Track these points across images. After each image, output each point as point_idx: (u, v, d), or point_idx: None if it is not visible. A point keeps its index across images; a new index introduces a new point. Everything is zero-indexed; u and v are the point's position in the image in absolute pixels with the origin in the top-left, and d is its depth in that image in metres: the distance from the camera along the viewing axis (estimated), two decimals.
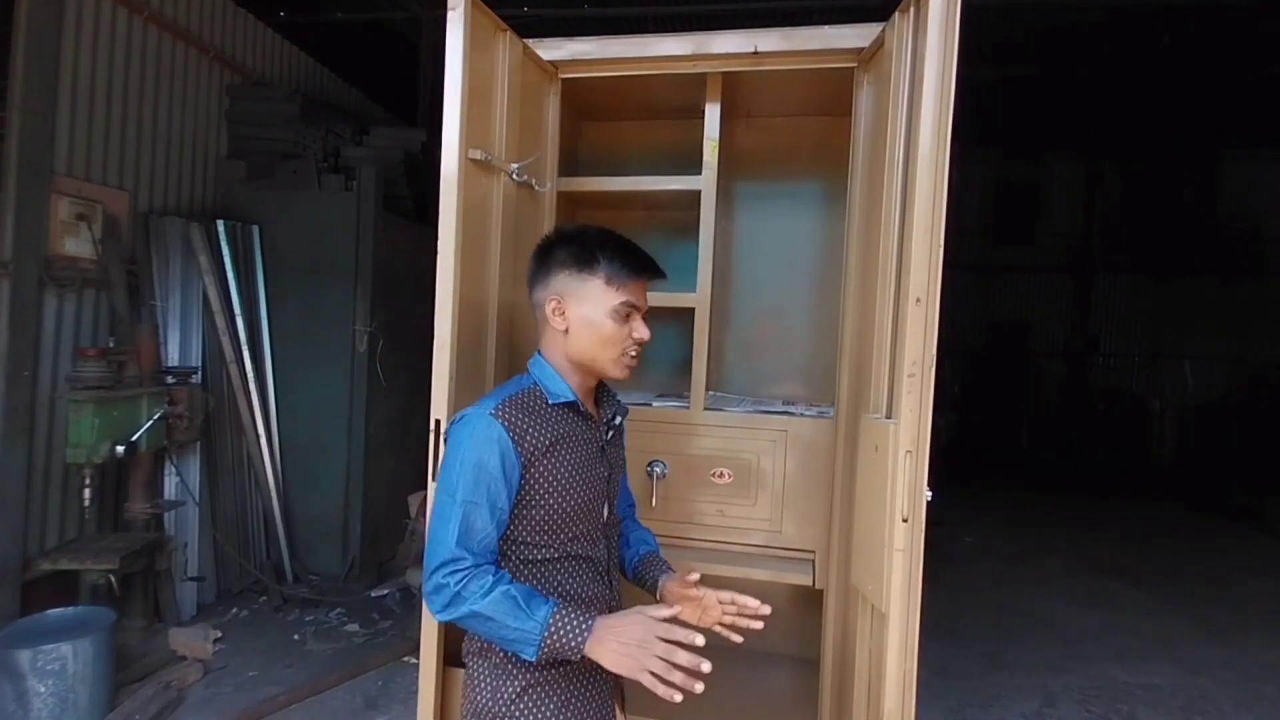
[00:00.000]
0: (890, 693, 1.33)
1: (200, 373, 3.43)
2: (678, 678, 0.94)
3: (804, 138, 2.24)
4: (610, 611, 1.17)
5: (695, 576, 1.19)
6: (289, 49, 4.55)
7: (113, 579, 2.68)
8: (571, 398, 1.15)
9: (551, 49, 1.86)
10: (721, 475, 1.94)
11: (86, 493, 2.76)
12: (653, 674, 0.95)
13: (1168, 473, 7.67)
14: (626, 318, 1.15)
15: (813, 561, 1.89)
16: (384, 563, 3.99)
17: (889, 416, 1.39)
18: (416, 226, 4.17)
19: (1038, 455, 8.00)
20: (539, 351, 1.20)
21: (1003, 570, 4.50)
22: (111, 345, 3.09)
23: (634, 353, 1.17)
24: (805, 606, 2.14)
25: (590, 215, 2.39)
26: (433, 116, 4.74)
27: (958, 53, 1.27)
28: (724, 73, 1.88)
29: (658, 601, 1.23)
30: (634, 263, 1.15)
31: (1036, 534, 5.37)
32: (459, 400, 1.51)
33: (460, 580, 1.02)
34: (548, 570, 1.14)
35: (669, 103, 2.15)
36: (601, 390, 1.28)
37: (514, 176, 1.67)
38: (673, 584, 1.24)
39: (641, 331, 1.17)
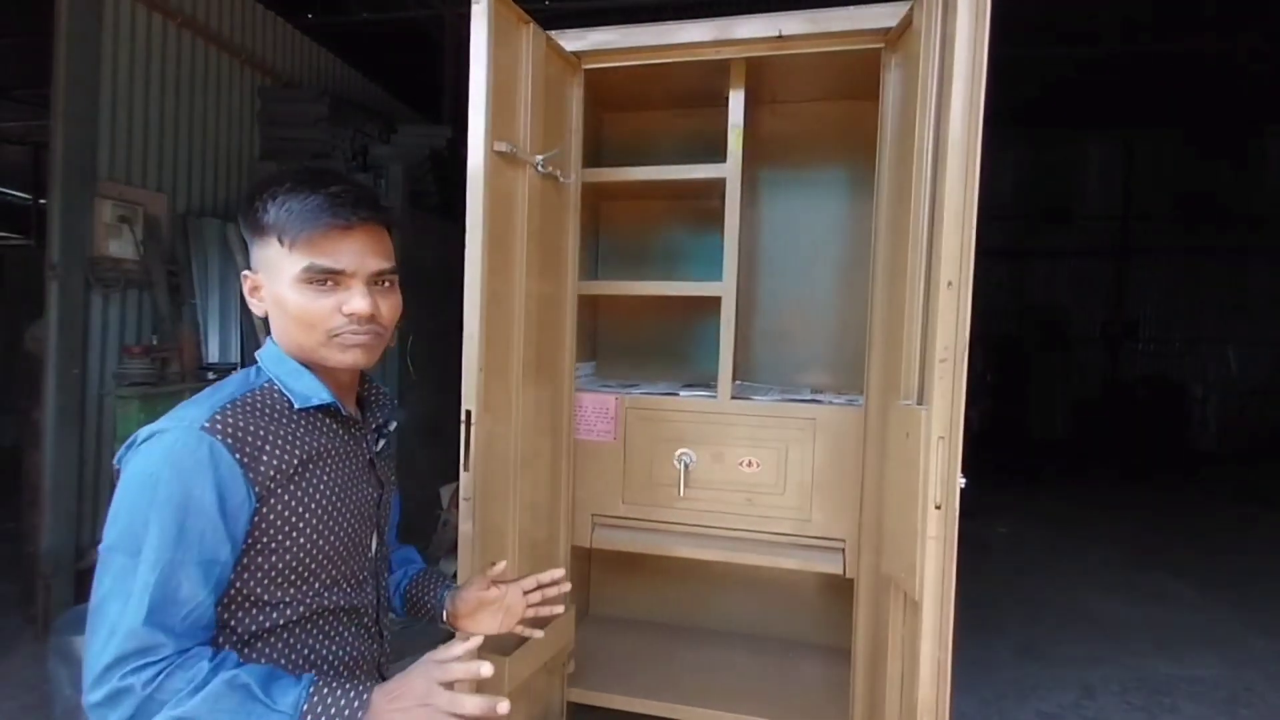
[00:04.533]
0: (924, 682, 1.32)
1: (239, 368, 3.53)
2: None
3: (830, 122, 2.21)
4: (381, 673, 0.94)
5: (501, 566, 0.97)
6: (317, 50, 4.63)
7: None
8: (327, 399, 0.86)
9: (574, 40, 1.87)
10: (750, 464, 1.94)
11: None
12: None
13: (1212, 461, 7.43)
14: (326, 286, 0.83)
15: (843, 550, 1.88)
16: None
17: (920, 402, 1.38)
18: (443, 222, 4.22)
19: (1075, 444, 7.79)
20: (270, 338, 0.88)
21: (1039, 561, 4.40)
22: (154, 343, 3.19)
23: (353, 330, 0.85)
24: (836, 595, 2.14)
25: (614, 205, 2.40)
26: (457, 113, 4.78)
27: (989, 31, 1.24)
28: (748, 58, 1.87)
29: (445, 626, 0.99)
30: (310, 206, 0.81)
31: (1074, 524, 5.24)
32: (489, 390, 1.52)
33: (154, 678, 0.70)
34: (294, 636, 0.84)
35: (692, 90, 2.15)
36: (366, 385, 0.99)
37: (539, 168, 1.68)
38: (466, 593, 1.00)
39: (353, 304, 0.83)
